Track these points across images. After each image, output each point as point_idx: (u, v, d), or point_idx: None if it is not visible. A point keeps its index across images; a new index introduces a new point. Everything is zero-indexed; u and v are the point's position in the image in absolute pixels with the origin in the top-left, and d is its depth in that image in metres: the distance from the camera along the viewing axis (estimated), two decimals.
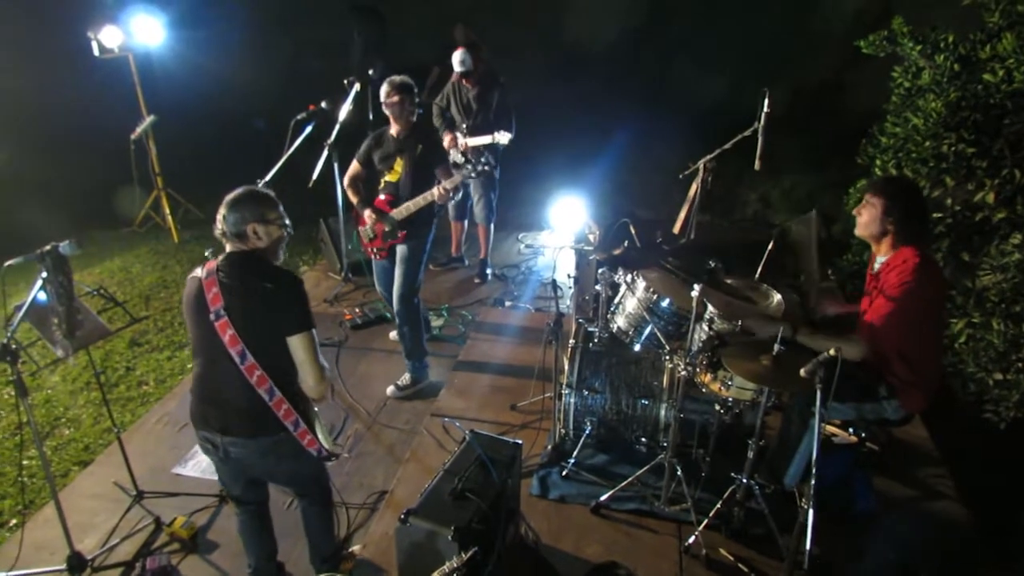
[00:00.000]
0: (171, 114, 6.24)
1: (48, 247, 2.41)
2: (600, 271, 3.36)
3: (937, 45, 3.85)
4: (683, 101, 7.60)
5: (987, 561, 2.78)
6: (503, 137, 4.73)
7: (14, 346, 2.36)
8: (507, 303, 5.06)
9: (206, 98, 7.75)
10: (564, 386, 3.21)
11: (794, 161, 6.62)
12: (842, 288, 4.79)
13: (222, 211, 2.21)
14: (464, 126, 4.90)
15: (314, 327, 2.21)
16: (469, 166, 3.64)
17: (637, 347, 3.12)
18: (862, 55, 4.31)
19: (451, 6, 6.87)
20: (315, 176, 4.63)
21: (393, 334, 4.45)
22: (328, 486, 2.61)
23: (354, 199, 3.88)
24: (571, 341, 3.33)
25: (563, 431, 3.30)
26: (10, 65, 6.40)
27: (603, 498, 2.97)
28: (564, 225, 5.52)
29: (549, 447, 3.31)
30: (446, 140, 4.87)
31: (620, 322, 3.18)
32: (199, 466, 3.42)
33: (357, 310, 4.90)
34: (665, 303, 2.99)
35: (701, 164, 3.82)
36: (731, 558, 2.72)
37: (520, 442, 2.68)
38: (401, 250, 3.81)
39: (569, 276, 4.15)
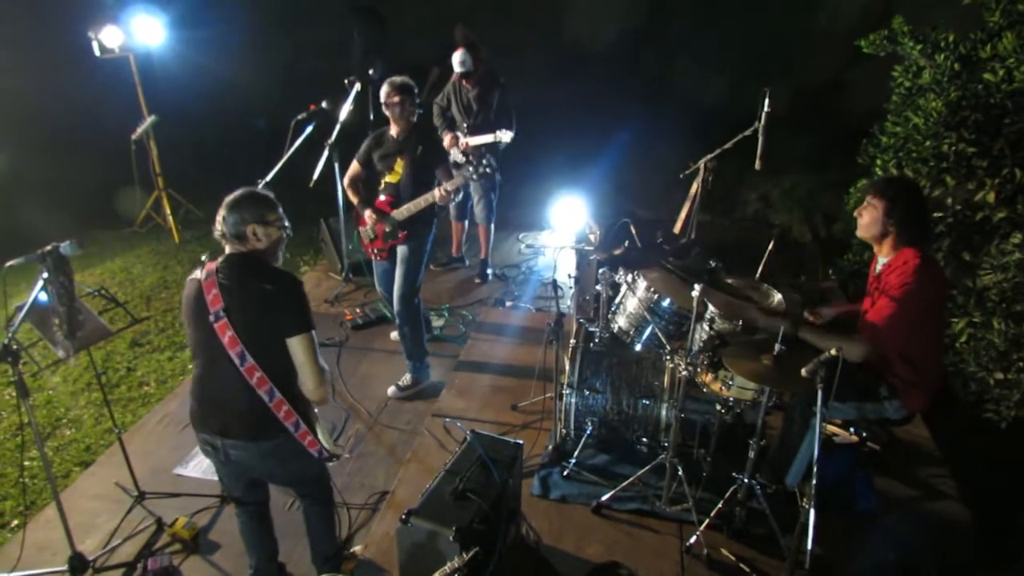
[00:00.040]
0: (172, 114, 6.25)
1: (49, 247, 2.41)
2: (601, 271, 3.36)
3: (937, 44, 3.85)
4: (683, 101, 7.61)
5: (988, 561, 2.78)
6: (505, 136, 4.73)
7: (15, 347, 2.36)
8: (508, 303, 5.06)
9: (207, 98, 7.75)
10: (565, 386, 3.21)
11: (795, 161, 6.62)
12: (844, 288, 4.79)
13: (221, 212, 2.21)
14: (464, 126, 4.90)
15: (314, 329, 2.21)
16: (471, 167, 3.64)
17: (638, 347, 3.13)
18: (863, 55, 4.31)
19: (451, 6, 6.87)
20: (316, 176, 4.63)
21: (394, 334, 4.45)
22: (329, 487, 2.61)
23: (354, 199, 3.88)
24: (572, 341, 3.33)
25: (564, 431, 3.30)
26: (11, 65, 6.41)
27: (604, 498, 2.97)
28: (565, 225, 5.53)
29: (550, 447, 3.31)
30: (446, 140, 4.87)
31: (621, 322, 3.18)
32: (200, 467, 3.42)
33: (358, 310, 4.90)
34: (666, 303, 2.99)
35: (702, 164, 3.83)
36: (732, 558, 2.72)
37: (521, 442, 2.68)
38: (402, 250, 3.81)
39: (570, 276, 4.15)
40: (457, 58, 4.68)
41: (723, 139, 3.68)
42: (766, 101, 3.36)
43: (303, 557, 2.78)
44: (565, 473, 3.16)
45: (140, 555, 2.90)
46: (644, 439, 3.23)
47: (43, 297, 2.45)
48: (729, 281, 3.09)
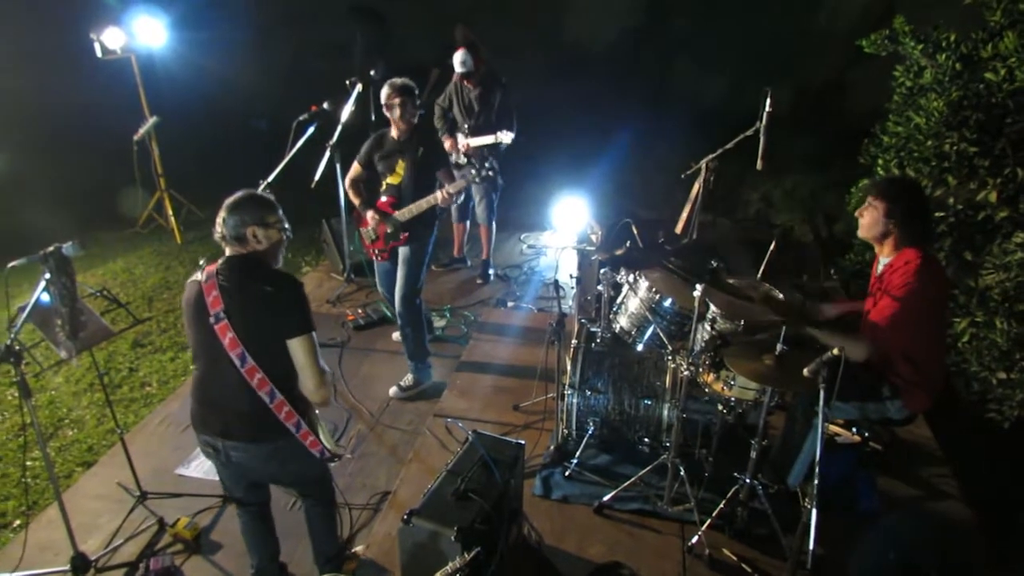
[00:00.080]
0: (173, 115, 6.25)
1: (51, 248, 2.41)
2: (602, 271, 3.36)
3: (939, 44, 3.85)
4: (685, 101, 7.61)
5: (990, 561, 2.77)
6: (506, 136, 4.73)
7: (17, 347, 2.37)
8: (509, 304, 5.06)
9: (208, 99, 7.77)
10: (567, 386, 3.21)
11: (796, 161, 6.61)
12: (846, 288, 4.79)
13: (222, 214, 2.21)
14: (466, 126, 4.90)
15: (314, 330, 2.21)
16: (473, 170, 3.64)
17: (640, 347, 3.13)
18: (864, 54, 4.31)
19: (451, 6, 6.88)
20: (317, 177, 4.64)
21: (396, 335, 4.45)
22: (331, 487, 2.61)
23: (355, 200, 3.88)
24: (573, 341, 3.33)
25: (566, 431, 3.30)
26: (12, 65, 6.42)
27: (606, 498, 2.97)
28: (566, 225, 5.52)
29: (552, 447, 3.31)
30: (446, 144, 4.86)
31: (623, 322, 3.18)
32: (202, 467, 3.42)
33: (359, 311, 4.90)
34: (667, 303, 2.99)
35: (703, 164, 3.82)
36: (734, 558, 2.72)
37: (523, 442, 2.68)
38: (403, 251, 3.81)
39: (571, 276, 4.15)
40: (458, 58, 4.68)
41: (724, 139, 3.68)
42: (767, 101, 3.35)
43: (305, 557, 2.78)
44: (567, 473, 3.16)
45: (142, 555, 2.90)
46: (646, 439, 3.23)
47: (45, 298, 2.45)
48: (731, 281, 3.09)
